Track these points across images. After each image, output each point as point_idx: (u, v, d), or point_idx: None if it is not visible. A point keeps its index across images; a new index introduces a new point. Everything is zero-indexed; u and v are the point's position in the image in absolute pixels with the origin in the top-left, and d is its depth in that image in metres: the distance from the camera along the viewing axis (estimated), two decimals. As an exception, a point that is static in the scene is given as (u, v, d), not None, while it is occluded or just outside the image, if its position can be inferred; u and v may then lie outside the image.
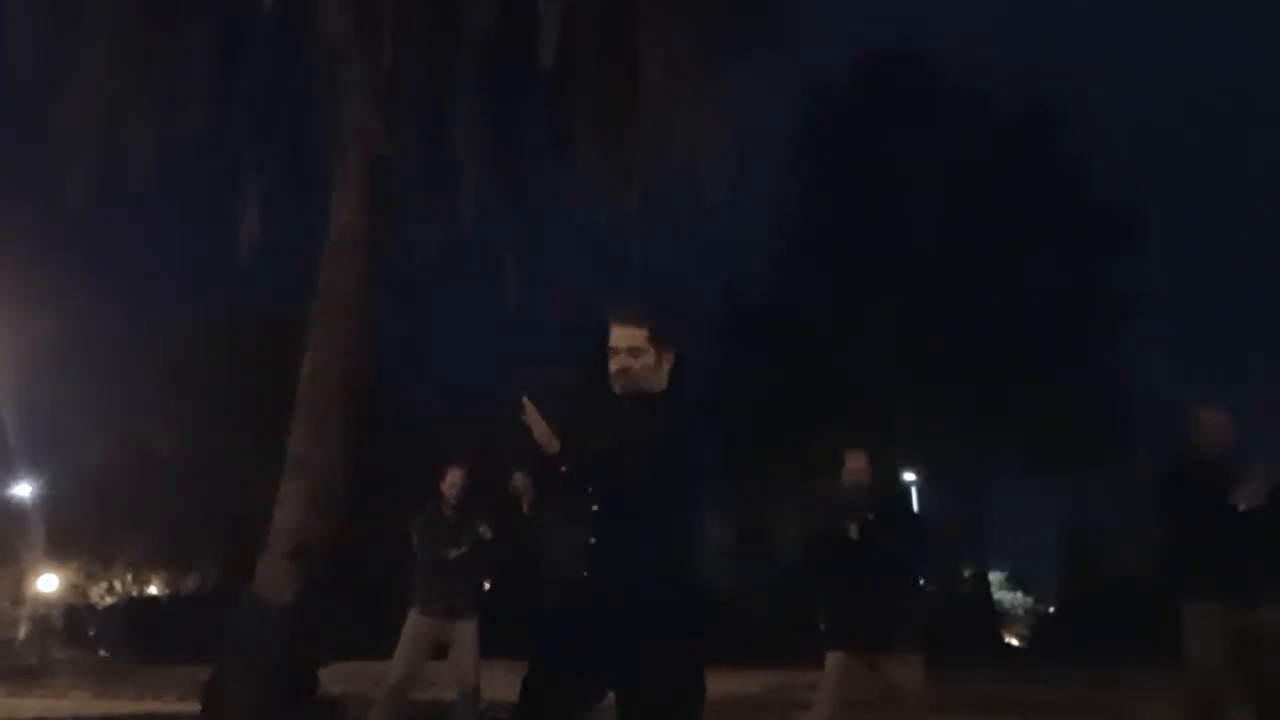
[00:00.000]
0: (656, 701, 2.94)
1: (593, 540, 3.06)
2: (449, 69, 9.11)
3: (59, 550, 25.58)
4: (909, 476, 24.14)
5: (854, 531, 5.13)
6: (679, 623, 3.01)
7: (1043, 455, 24.94)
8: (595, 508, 3.08)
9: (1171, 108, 49.37)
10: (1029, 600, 37.92)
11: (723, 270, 29.62)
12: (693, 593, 3.09)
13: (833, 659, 5.17)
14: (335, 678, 9.15)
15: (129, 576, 28.31)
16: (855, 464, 5.32)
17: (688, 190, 9.77)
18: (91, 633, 25.21)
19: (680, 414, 3.24)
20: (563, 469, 3.19)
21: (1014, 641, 32.35)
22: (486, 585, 7.13)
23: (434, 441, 24.81)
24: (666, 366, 3.26)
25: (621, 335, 3.22)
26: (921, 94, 25.07)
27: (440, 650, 6.68)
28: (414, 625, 6.54)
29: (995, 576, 31.53)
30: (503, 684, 5.21)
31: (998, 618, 30.12)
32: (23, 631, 24.83)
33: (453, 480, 6.70)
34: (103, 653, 22.75)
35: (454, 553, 6.46)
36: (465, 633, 6.55)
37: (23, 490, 24.88)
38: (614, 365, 3.22)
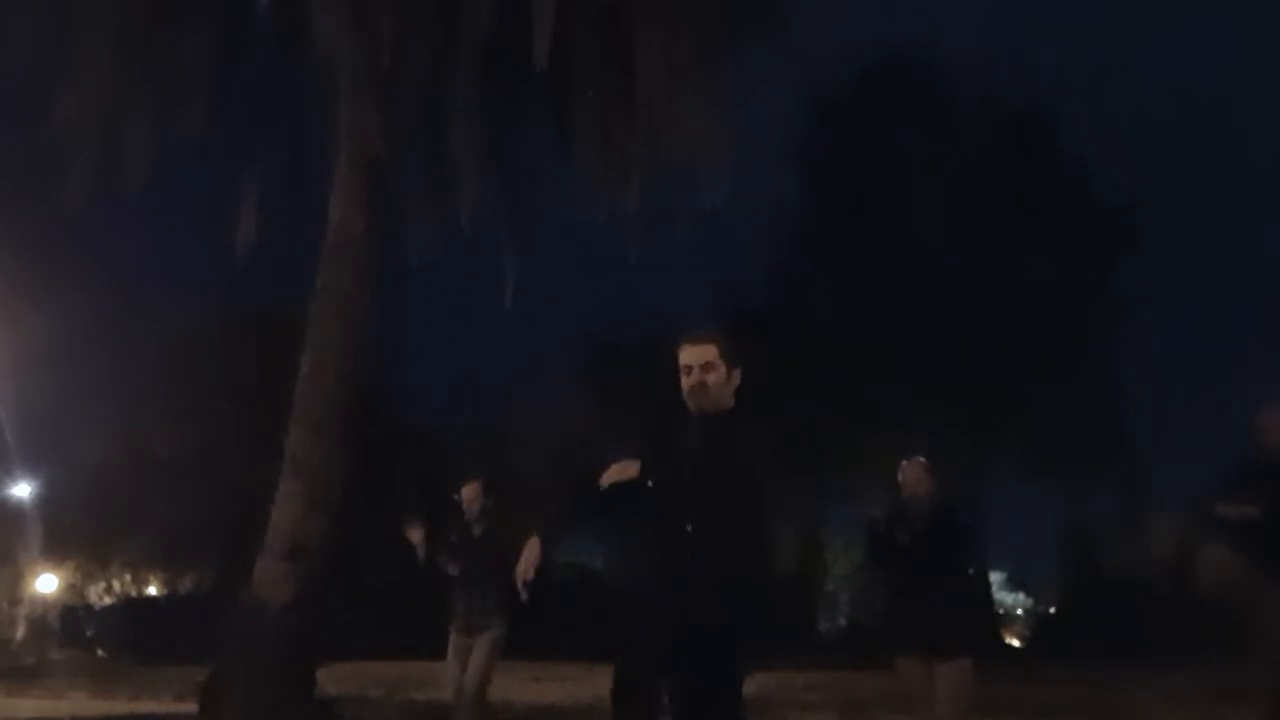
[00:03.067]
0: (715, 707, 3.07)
1: (684, 558, 3.14)
2: (447, 68, 9.09)
3: (57, 550, 25.56)
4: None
5: (907, 538, 5.21)
6: (751, 638, 3.14)
7: (1043, 455, 24.93)
8: (689, 527, 3.15)
9: (1172, 108, 49.34)
10: (1029, 600, 37.91)
11: (722, 270, 29.59)
12: (768, 611, 3.26)
13: (902, 666, 5.30)
14: (333, 678, 9.13)
15: (127, 576, 28.29)
16: (911, 475, 5.34)
17: (687, 190, 9.76)
18: (89, 633, 25.22)
19: (756, 434, 3.34)
20: (648, 483, 3.30)
21: (1014, 642, 32.33)
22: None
23: (432, 441, 24.83)
24: (735, 383, 3.39)
25: (694, 353, 3.35)
26: (922, 94, 25.05)
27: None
28: (450, 643, 6.64)
29: (995, 577, 31.49)
30: (518, 686, 5.20)
31: (998, 618, 30.09)
32: (20, 632, 24.83)
33: (470, 494, 6.69)
34: (100, 653, 22.76)
35: (469, 567, 6.48)
36: (483, 643, 6.56)
37: (21, 490, 24.85)
38: (688, 383, 3.33)
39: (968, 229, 24.81)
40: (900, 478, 5.40)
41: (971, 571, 5.68)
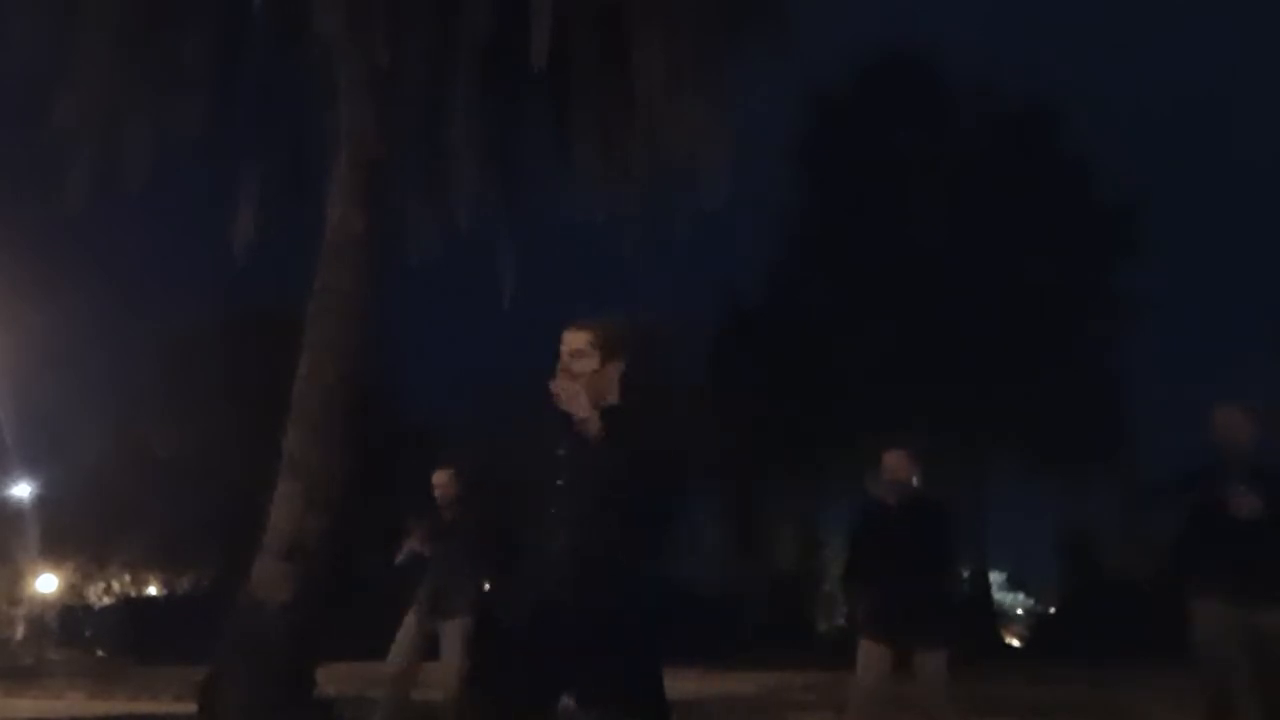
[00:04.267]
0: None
1: (555, 562, 3.00)
2: (447, 68, 9.09)
3: (56, 550, 25.58)
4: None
5: (894, 526, 5.20)
6: (633, 639, 2.99)
7: (1043, 455, 24.94)
8: (560, 539, 3.00)
9: (1172, 108, 49.37)
10: (1029, 600, 37.93)
11: (722, 270, 29.60)
12: (648, 609, 3.05)
13: (865, 648, 5.24)
14: (332, 678, 9.11)
15: (126, 577, 28.32)
16: (894, 461, 5.35)
17: (687, 190, 9.75)
18: (88, 633, 25.21)
19: (635, 432, 3.07)
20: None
21: (1014, 642, 32.35)
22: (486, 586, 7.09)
23: (431, 441, 24.82)
24: (613, 376, 3.13)
25: (566, 339, 3.15)
26: (922, 94, 25.07)
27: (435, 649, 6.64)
28: (405, 623, 6.53)
29: (995, 577, 31.52)
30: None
31: (998, 618, 30.11)
32: (19, 631, 24.84)
33: (440, 480, 6.66)
34: (99, 653, 22.74)
35: (436, 552, 6.43)
36: (451, 633, 6.50)
37: (20, 490, 24.86)
38: (557, 372, 3.12)
39: (968, 229, 24.82)
40: (882, 464, 5.38)
41: (950, 560, 5.65)
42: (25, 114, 9.51)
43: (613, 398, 3.13)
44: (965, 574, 27.16)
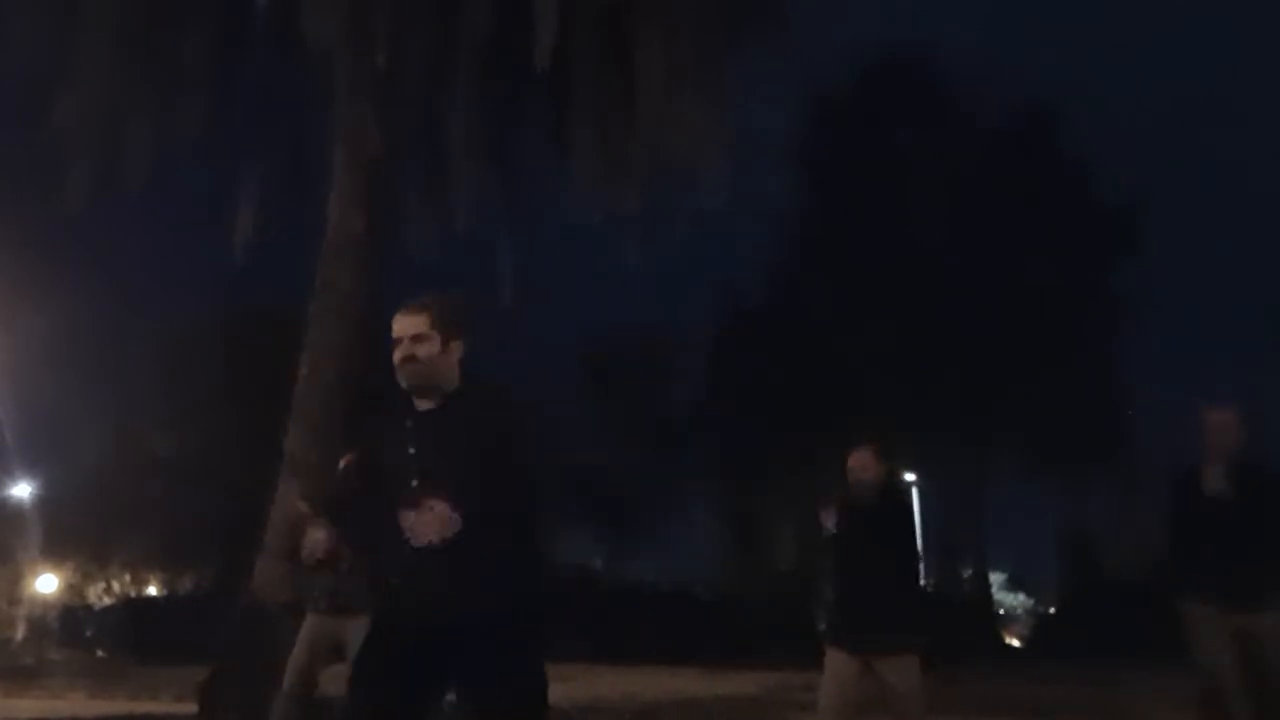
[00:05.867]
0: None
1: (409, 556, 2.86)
2: (447, 68, 9.09)
3: (56, 550, 25.56)
4: (909, 476, 24.13)
5: (852, 527, 5.05)
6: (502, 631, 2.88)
7: (1043, 455, 24.95)
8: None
9: (1172, 108, 49.37)
10: (1029, 601, 37.92)
11: (722, 271, 29.58)
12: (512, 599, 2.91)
13: (830, 657, 5.16)
14: (333, 678, 9.12)
15: (126, 577, 28.30)
16: (859, 461, 5.25)
17: (687, 190, 9.76)
18: (88, 633, 25.17)
19: (476, 408, 3.01)
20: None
21: (1014, 642, 32.33)
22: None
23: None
24: (455, 355, 3.06)
25: (404, 323, 3.02)
26: (922, 94, 25.05)
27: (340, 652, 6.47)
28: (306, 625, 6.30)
29: (996, 577, 31.53)
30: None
31: (998, 618, 30.11)
32: (20, 632, 24.81)
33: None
34: (100, 653, 22.71)
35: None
36: (357, 633, 6.30)
37: (20, 490, 24.85)
38: (398, 355, 2.99)
39: (968, 229, 24.82)
40: (847, 465, 5.27)
41: (911, 555, 5.46)
42: (25, 114, 9.53)
43: (454, 382, 3.04)
44: (966, 574, 27.19)
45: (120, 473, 24.41)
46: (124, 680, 13.98)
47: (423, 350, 2.98)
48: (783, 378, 24.96)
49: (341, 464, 3.04)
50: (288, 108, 10.04)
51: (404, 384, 3.01)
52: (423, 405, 3.01)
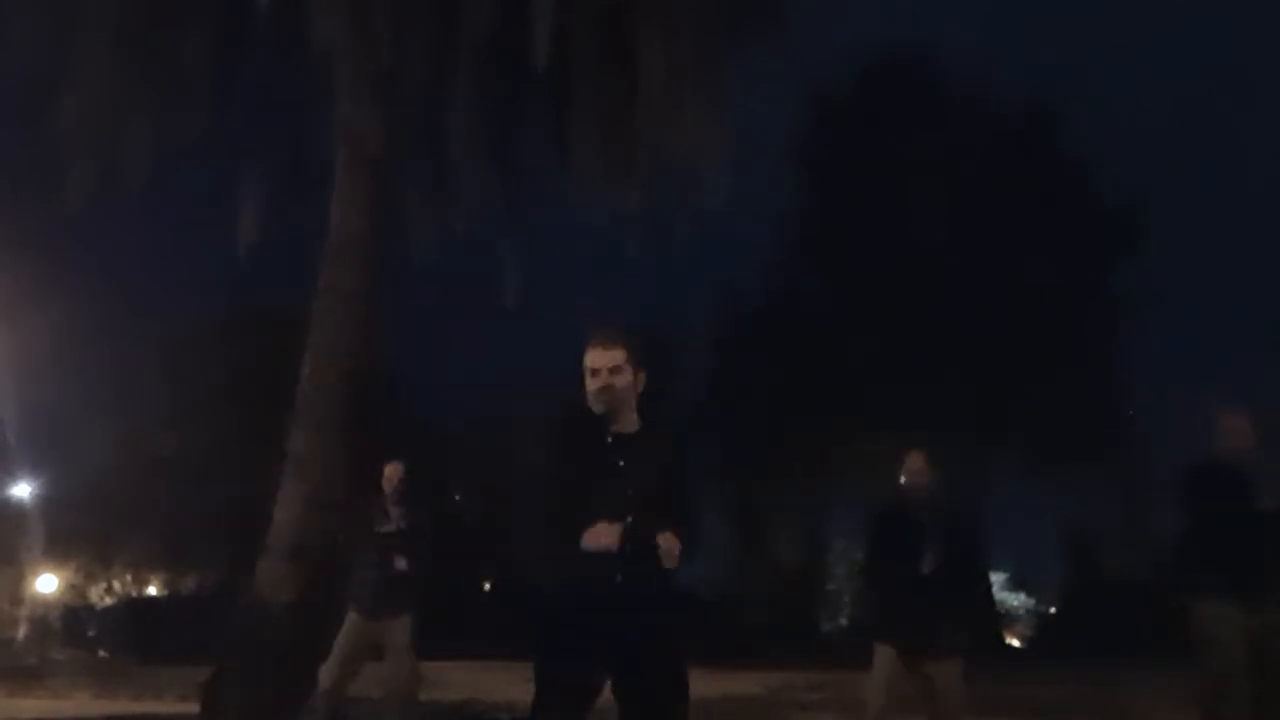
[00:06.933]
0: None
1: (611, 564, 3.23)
2: (447, 68, 9.09)
3: (58, 550, 25.56)
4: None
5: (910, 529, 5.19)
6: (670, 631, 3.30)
7: (1043, 455, 24.93)
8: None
9: (1172, 108, 49.35)
10: (1030, 601, 37.90)
11: (723, 271, 29.57)
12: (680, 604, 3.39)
13: (879, 654, 5.23)
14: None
15: (128, 577, 28.30)
16: (915, 464, 5.34)
17: (687, 190, 9.76)
18: (91, 633, 25.19)
19: (668, 437, 3.46)
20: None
21: (1014, 642, 32.33)
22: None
23: (433, 441, 24.84)
24: (641, 385, 3.45)
25: (602, 357, 3.37)
26: (922, 94, 25.05)
27: (379, 650, 6.52)
28: (348, 624, 6.49)
29: (997, 577, 31.50)
30: (520, 686, 5.15)
31: (999, 618, 30.10)
32: (22, 632, 24.80)
33: (390, 473, 6.61)
34: (102, 653, 22.72)
35: (380, 546, 6.37)
36: (395, 632, 6.44)
37: (22, 490, 24.85)
38: (594, 385, 3.36)
39: (968, 229, 24.81)
40: (905, 464, 5.39)
41: (982, 572, 5.65)
42: (25, 114, 9.53)
43: (634, 409, 3.44)
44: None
45: (122, 473, 24.42)
46: (126, 680, 13.99)
47: (620, 381, 3.37)
48: (783, 378, 24.96)
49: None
50: (289, 108, 10.03)
51: (597, 409, 3.37)
52: (616, 428, 3.39)
